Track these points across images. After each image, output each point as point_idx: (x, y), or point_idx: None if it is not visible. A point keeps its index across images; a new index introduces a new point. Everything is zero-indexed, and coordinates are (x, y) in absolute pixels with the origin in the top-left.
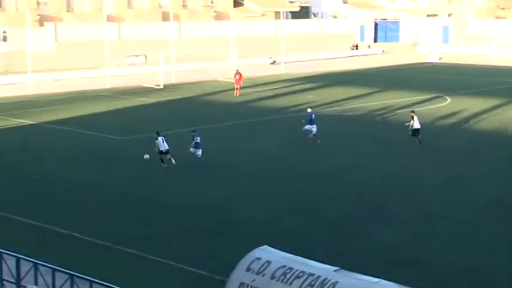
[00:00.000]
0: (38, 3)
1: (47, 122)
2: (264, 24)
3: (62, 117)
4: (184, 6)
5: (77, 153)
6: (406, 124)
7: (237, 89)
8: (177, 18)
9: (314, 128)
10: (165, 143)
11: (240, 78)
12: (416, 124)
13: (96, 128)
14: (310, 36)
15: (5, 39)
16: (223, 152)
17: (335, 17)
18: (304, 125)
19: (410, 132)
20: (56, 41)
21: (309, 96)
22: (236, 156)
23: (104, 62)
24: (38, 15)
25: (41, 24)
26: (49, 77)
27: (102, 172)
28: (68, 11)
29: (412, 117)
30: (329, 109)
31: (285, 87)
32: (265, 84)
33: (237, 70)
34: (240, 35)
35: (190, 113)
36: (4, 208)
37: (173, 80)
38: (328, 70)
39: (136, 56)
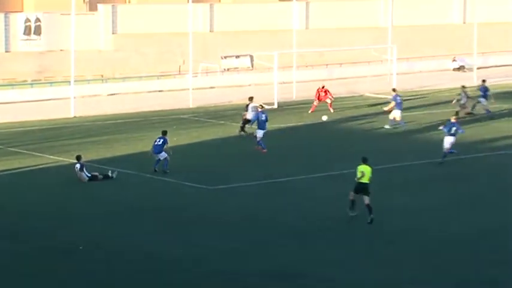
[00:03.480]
0: None
1: (93, 161)
2: (441, 5)
3: (119, 153)
4: None
5: (140, 210)
6: None
7: (314, 105)
8: None
9: None
10: None
11: (325, 96)
12: None
13: (175, 173)
14: None
15: (37, 31)
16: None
17: None
18: None
19: None
20: (114, 33)
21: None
22: None
23: (186, 66)
24: None
25: (92, 8)
26: (102, 90)
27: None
28: None
29: None
30: None
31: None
32: (447, 102)
33: (323, 86)
34: (403, 22)
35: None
36: None
37: (294, 96)
38: None
39: (237, 56)
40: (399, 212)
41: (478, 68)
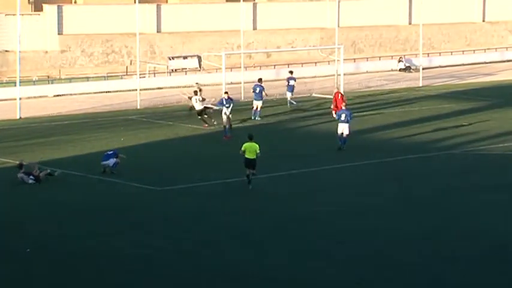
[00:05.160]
0: None
1: (42, 163)
2: (389, 6)
3: (66, 155)
4: None
5: (88, 211)
6: None
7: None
8: None
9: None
10: None
11: (341, 100)
12: None
13: (122, 174)
14: (467, 26)
15: None
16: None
17: None
18: None
19: None
20: (60, 34)
21: (464, 124)
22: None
23: (133, 67)
24: None
25: (37, 9)
26: (48, 91)
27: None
28: None
29: None
30: (496, 145)
31: (428, 108)
32: (395, 103)
33: (337, 90)
34: (350, 23)
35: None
36: None
37: (242, 97)
38: (497, 80)
39: (185, 57)
40: (352, 211)
41: (423, 69)
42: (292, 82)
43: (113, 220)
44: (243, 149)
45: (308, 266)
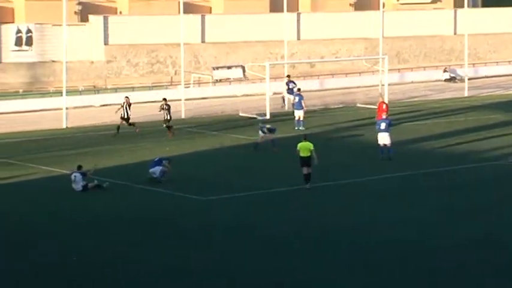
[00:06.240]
0: None
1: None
2: (434, 17)
3: (112, 164)
4: None
5: (131, 221)
6: None
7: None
8: (293, 7)
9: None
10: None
11: (384, 110)
12: None
13: (166, 183)
14: None
15: (29, 42)
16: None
17: None
18: None
19: None
20: (106, 44)
21: None
22: None
23: (178, 77)
24: (79, 3)
25: (84, 19)
26: (94, 101)
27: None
28: None
29: None
30: None
31: (473, 119)
32: (440, 113)
33: (381, 99)
34: (394, 33)
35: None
36: None
37: (286, 107)
38: None
39: (229, 67)
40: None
41: (469, 79)
42: (292, 85)
43: (156, 230)
44: (298, 148)
45: (356, 277)
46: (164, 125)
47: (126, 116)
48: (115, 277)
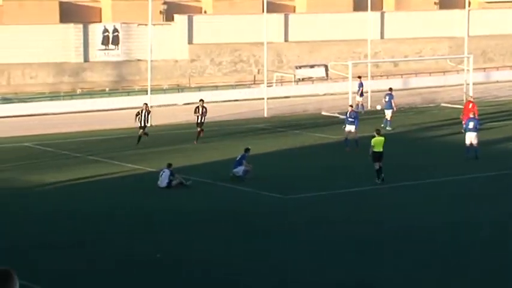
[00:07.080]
0: None
1: (173, 169)
2: None
3: (194, 162)
4: None
5: (213, 219)
6: None
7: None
8: (377, 5)
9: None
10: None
11: (471, 109)
12: None
13: (248, 182)
14: None
15: (115, 41)
16: None
17: None
18: None
19: None
20: (190, 43)
21: None
22: None
23: (260, 76)
24: (165, 2)
25: (169, 19)
26: (178, 99)
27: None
28: None
29: None
30: None
31: None
32: None
33: (470, 98)
34: (480, 32)
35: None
36: None
37: (369, 105)
38: None
39: (312, 66)
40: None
41: None
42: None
43: (238, 227)
44: (372, 144)
45: (430, 276)
46: (198, 129)
47: (143, 124)
48: (198, 276)
